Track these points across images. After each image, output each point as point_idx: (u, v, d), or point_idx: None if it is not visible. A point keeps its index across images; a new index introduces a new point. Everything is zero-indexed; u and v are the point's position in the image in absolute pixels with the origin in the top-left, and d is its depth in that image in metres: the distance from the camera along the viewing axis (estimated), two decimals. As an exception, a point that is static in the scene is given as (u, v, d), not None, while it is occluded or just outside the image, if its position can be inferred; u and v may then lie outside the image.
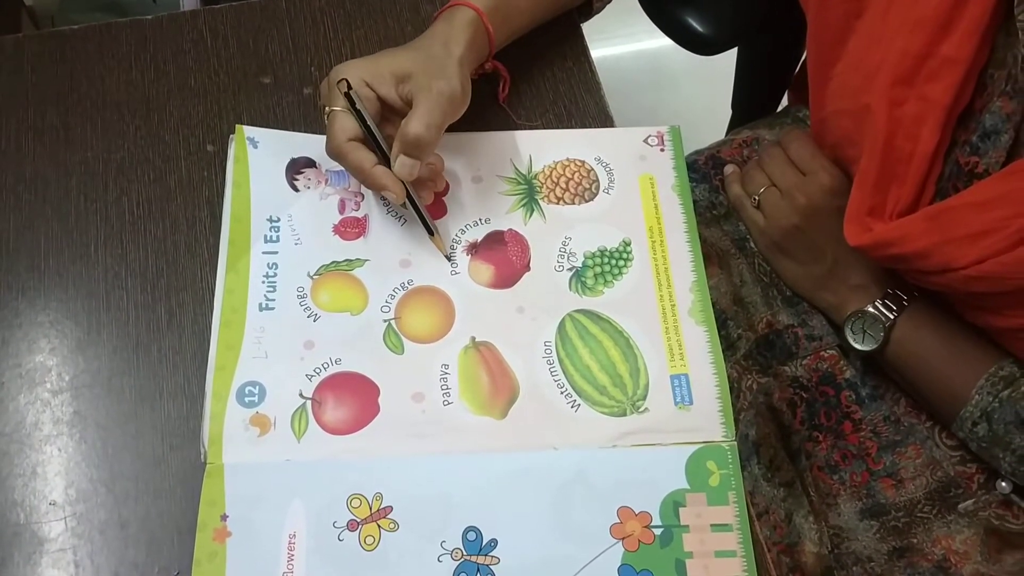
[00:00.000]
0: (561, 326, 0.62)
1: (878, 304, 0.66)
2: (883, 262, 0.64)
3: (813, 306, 0.71)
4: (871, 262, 0.66)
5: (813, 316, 0.72)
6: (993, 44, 0.55)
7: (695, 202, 0.71)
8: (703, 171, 0.79)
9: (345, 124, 0.60)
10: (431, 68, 0.60)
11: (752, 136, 0.82)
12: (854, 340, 0.66)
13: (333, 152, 0.61)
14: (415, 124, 0.58)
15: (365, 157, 0.60)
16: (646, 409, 0.60)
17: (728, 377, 0.70)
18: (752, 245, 0.74)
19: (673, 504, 0.57)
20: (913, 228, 0.58)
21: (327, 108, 0.60)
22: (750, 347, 0.71)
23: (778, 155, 0.70)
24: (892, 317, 0.65)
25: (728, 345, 0.71)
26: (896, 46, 0.57)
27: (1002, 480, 0.64)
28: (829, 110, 0.66)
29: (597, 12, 0.75)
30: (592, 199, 0.67)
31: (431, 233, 0.63)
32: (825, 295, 0.69)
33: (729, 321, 0.71)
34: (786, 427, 0.71)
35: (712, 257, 0.73)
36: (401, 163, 0.59)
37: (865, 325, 0.66)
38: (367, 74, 0.61)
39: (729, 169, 0.75)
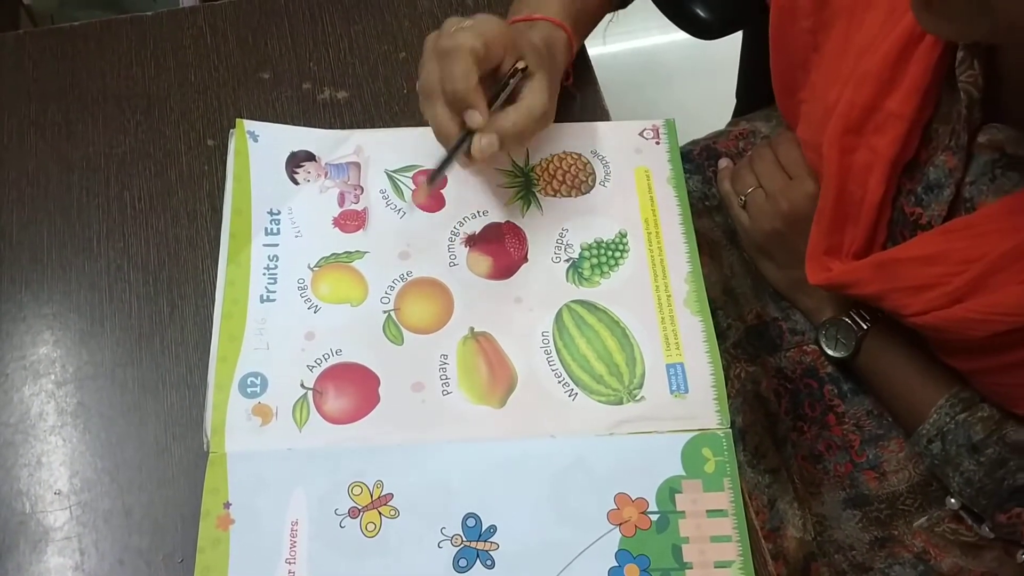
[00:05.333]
0: (558, 316, 0.63)
1: (852, 314, 0.67)
2: (847, 297, 0.65)
3: (793, 306, 0.73)
4: None
5: (796, 311, 0.73)
6: (939, 99, 0.56)
7: (688, 193, 0.71)
8: (697, 162, 0.79)
9: (477, 41, 0.55)
10: (551, 86, 0.60)
11: (749, 128, 0.83)
12: (827, 346, 0.68)
13: (458, 85, 0.54)
14: (520, 122, 0.58)
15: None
16: (642, 397, 0.61)
17: None
18: None
19: (669, 490, 0.58)
20: (864, 274, 0.59)
21: (453, 41, 0.54)
22: (739, 336, 0.72)
23: (767, 156, 0.71)
24: (864, 328, 0.66)
25: (718, 334, 0.72)
26: (846, 96, 0.58)
27: (951, 496, 0.65)
28: (800, 133, 0.67)
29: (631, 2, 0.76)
30: (588, 191, 0.68)
31: (432, 179, 0.59)
32: (803, 299, 0.71)
33: (719, 311, 0.72)
34: (773, 415, 0.71)
35: (703, 247, 0.73)
36: (489, 142, 0.56)
37: (838, 333, 0.67)
38: (501, 40, 0.57)
39: (723, 163, 0.76)
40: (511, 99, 0.59)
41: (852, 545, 0.68)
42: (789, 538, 0.68)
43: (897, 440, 0.68)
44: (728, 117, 1.23)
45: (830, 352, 0.67)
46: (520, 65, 0.58)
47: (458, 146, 0.57)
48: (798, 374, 0.71)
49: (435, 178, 0.58)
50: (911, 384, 0.64)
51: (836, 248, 0.61)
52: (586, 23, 0.69)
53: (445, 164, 0.58)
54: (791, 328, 0.72)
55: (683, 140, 0.77)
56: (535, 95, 0.59)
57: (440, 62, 0.55)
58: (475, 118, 0.56)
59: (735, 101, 1.21)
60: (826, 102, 0.60)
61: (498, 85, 0.59)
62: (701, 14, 0.88)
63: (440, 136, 0.58)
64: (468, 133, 0.57)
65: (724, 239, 0.75)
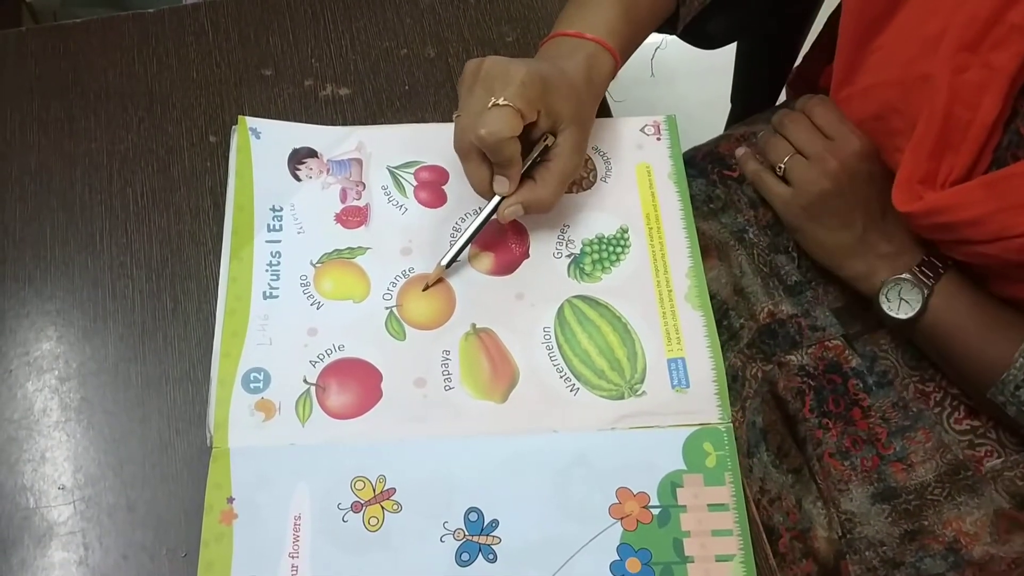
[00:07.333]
0: (560, 312, 0.63)
1: (915, 271, 0.65)
2: (927, 231, 0.63)
3: (839, 277, 0.70)
4: (900, 231, 0.66)
5: (816, 307, 0.72)
6: None
7: (693, 196, 0.71)
8: (701, 166, 0.79)
9: (516, 123, 0.58)
10: (580, 141, 0.62)
11: (749, 131, 0.83)
12: (889, 308, 0.65)
13: (493, 138, 0.57)
14: (547, 195, 0.62)
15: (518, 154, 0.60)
16: (644, 392, 0.61)
17: (732, 366, 0.71)
18: (751, 236, 0.75)
19: (671, 485, 0.58)
20: (969, 195, 0.57)
21: (501, 100, 0.57)
22: (752, 336, 0.72)
23: (802, 121, 0.69)
24: (931, 284, 0.64)
25: (731, 335, 0.71)
26: (964, 11, 0.56)
27: None
28: (867, 83, 0.65)
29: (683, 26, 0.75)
30: (590, 187, 0.68)
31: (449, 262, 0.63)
32: (854, 263, 0.68)
33: (731, 311, 0.72)
34: (792, 415, 0.71)
35: (711, 249, 0.73)
36: (514, 211, 0.62)
37: (902, 292, 0.65)
38: (539, 103, 0.59)
39: (741, 151, 0.74)
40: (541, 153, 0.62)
41: (882, 540, 0.68)
42: (819, 538, 0.68)
43: (923, 430, 0.68)
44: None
45: (892, 314, 0.65)
46: (549, 142, 0.61)
47: (485, 220, 0.62)
48: (820, 370, 0.70)
49: (461, 250, 0.63)
50: (985, 335, 0.63)
51: (931, 177, 0.59)
52: (634, 43, 0.68)
53: (471, 238, 0.63)
54: (811, 324, 0.71)
55: (686, 139, 0.77)
56: (563, 160, 0.62)
57: (485, 119, 0.57)
58: (503, 188, 0.61)
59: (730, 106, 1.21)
60: (922, 35, 0.59)
61: (530, 151, 0.61)
62: (711, 31, 0.87)
63: (477, 190, 0.62)
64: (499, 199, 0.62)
65: (732, 239, 0.74)
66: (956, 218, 0.58)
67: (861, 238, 0.67)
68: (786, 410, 0.71)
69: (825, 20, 0.88)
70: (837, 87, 0.68)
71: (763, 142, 0.72)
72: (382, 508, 0.57)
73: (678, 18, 0.72)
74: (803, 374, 0.70)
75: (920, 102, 0.59)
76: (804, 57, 0.92)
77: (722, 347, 0.70)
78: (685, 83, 1.68)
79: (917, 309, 0.64)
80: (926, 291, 0.64)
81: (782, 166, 0.69)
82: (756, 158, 0.72)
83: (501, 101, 0.57)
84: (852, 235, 0.67)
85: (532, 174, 0.62)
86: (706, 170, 0.79)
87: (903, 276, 0.65)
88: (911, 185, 0.60)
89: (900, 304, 0.65)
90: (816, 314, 0.71)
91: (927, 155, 0.59)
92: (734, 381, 0.71)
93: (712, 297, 0.71)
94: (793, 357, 0.71)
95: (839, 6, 0.84)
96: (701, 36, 0.88)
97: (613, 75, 0.66)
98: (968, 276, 0.65)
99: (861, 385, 0.69)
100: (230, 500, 0.56)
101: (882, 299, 0.65)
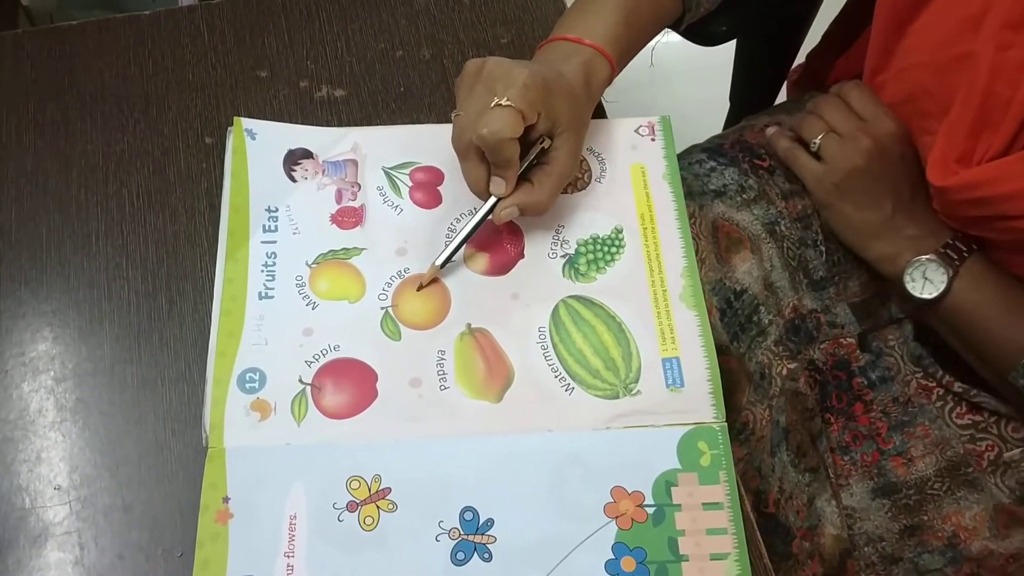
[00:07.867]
0: (555, 312, 0.64)
1: (940, 252, 0.65)
2: (961, 207, 0.63)
3: (864, 259, 0.70)
4: (928, 215, 0.66)
5: (837, 304, 0.72)
6: None
7: (725, 186, 0.71)
8: (730, 155, 0.77)
9: (518, 124, 0.58)
10: (577, 145, 0.63)
11: (773, 121, 0.82)
12: (913, 288, 0.65)
13: (495, 138, 0.57)
14: (543, 198, 0.62)
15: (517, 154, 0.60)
16: (638, 392, 0.61)
17: (760, 364, 0.71)
18: (782, 229, 0.74)
19: (665, 484, 0.58)
20: (1009, 169, 0.57)
21: (504, 100, 0.57)
22: (780, 333, 0.71)
23: (837, 102, 0.70)
24: (956, 265, 0.65)
25: (759, 331, 0.71)
26: None
27: None
28: (901, 66, 0.65)
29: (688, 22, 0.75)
30: (584, 188, 0.68)
31: (444, 262, 0.63)
32: (880, 244, 0.68)
33: (761, 307, 0.71)
34: (810, 410, 0.71)
35: (744, 241, 0.72)
36: (510, 212, 0.62)
37: (926, 273, 0.65)
38: (540, 106, 0.59)
39: (772, 129, 0.75)
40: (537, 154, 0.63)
41: (882, 536, 0.68)
42: (826, 535, 0.68)
43: (923, 426, 0.68)
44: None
45: (916, 294, 0.65)
46: (545, 145, 0.62)
47: (481, 220, 0.62)
48: (829, 366, 0.71)
49: (456, 251, 0.63)
50: (1007, 318, 0.63)
51: (967, 156, 0.60)
52: (633, 50, 0.68)
53: (467, 238, 0.63)
54: (830, 321, 0.71)
55: (683, 139, 0.77)
56: (559, 164, 0.62)
57: (487, 119, 0.57)
58: (500, 189, 0.61)
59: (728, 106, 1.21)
60: (959, 16, 0.59)
61: (526, 154, 0.61)
62: (714, 30, 0.87)
63: (473, 190, 0.63)
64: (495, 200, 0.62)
65: (763, 232, 0.74)
66: (994, 192, 0.58)
67: (889, 219, 0.67)
68: (806, 405, 0.71)
69: (833, 18, 0.88)
70: (871, 73, 0.69)
71: (797, 121, 0.72)
72: (377, 508, 0.57)
73: (682, 21, 0.72)
74: (811, 368, 0.71)
75: (955, 82, 0.60)
76: (810, 55, 0.92)
77: (750, 344, 0.70)
78: (682, 83, 1.68)
79: (941, 289, 0.64)
80: (951, 271, 0.64)
81: (816, 142, 0.70)
82: (788, 136, 0.73)
83: (504, 102, 0.57)
84: (880, 215, 0.67)
85: (528, 176, 0.62)
86: (737, 159, 0.77)
87: (928, 257, 0.65)
88: (947, 163, 0.60)
89: (924, 284, 0.65)
90: (836, 311, 0.71)
91: (965, 134, 0.59)
92: (762, 379, 0.71)
93: (744, 292, 0.71)
94: (807, 351, 0.71)
95: (846, 4, 0.85)
96: (703, 35, 0.88)
97: (609, 82, 0.66)
98: (991, 259, 0.65)
99: (865, 382, 0.70)
100: (226, 500, 0.56)
101: (906, 278, 0.66)
